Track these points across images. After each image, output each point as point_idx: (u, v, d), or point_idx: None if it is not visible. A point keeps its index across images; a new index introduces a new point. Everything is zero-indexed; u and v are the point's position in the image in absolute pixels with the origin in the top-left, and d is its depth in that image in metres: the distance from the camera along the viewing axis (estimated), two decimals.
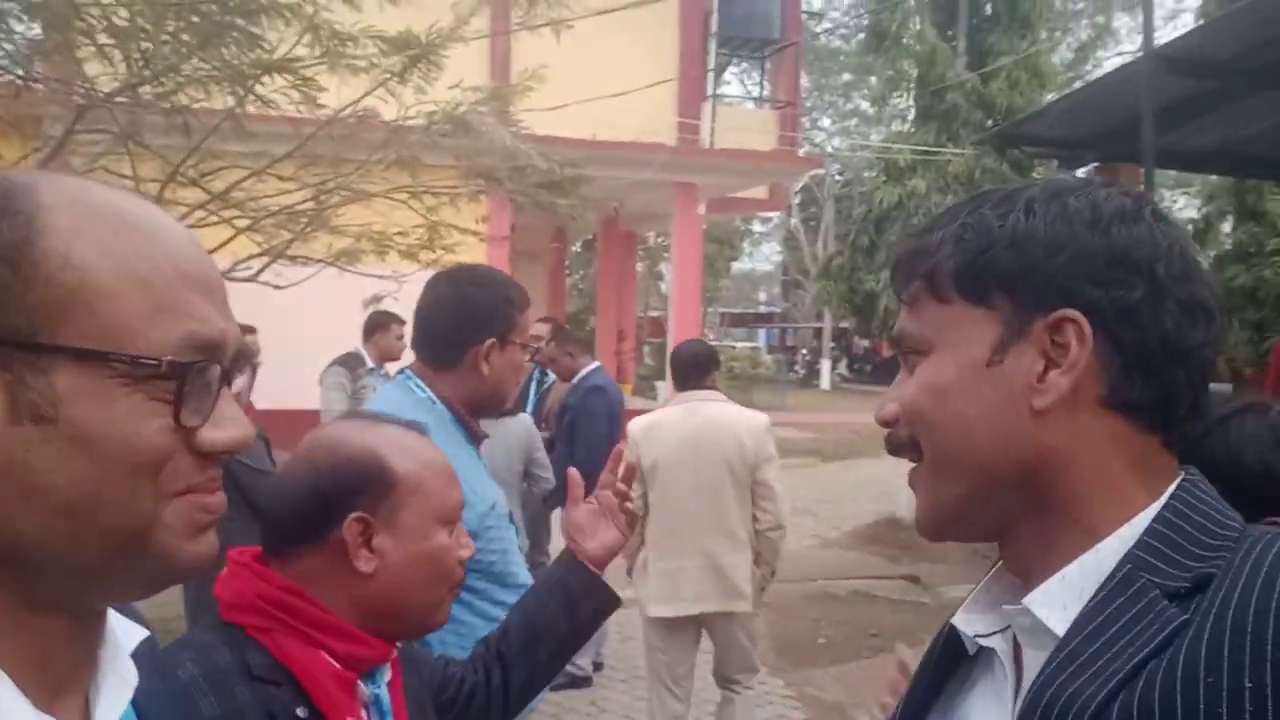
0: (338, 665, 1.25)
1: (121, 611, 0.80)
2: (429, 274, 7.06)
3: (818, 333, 37.98)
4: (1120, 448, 0.83)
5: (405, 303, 7.29)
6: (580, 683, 5.48)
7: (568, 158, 6.76)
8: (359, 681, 1.28)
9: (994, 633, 0.89)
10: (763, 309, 52.29)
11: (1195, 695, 0.70)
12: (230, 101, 5.64)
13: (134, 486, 0.66)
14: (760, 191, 18.43)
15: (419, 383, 2.19)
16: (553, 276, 20.88)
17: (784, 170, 16.98)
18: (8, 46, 6.62)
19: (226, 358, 0.71)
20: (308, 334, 11.19)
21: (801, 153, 19.22)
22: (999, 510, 0.87)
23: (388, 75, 5.35)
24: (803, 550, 8.95)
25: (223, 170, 6.92)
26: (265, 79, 4.85)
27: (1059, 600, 0.81)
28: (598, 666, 5.70)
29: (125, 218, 0.69)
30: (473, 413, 2.21)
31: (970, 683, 0.93)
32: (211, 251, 3.25)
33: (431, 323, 2.22)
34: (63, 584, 0.67)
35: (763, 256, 49.97)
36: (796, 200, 33.01)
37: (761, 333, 47.36)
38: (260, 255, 7.19)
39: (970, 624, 0.91)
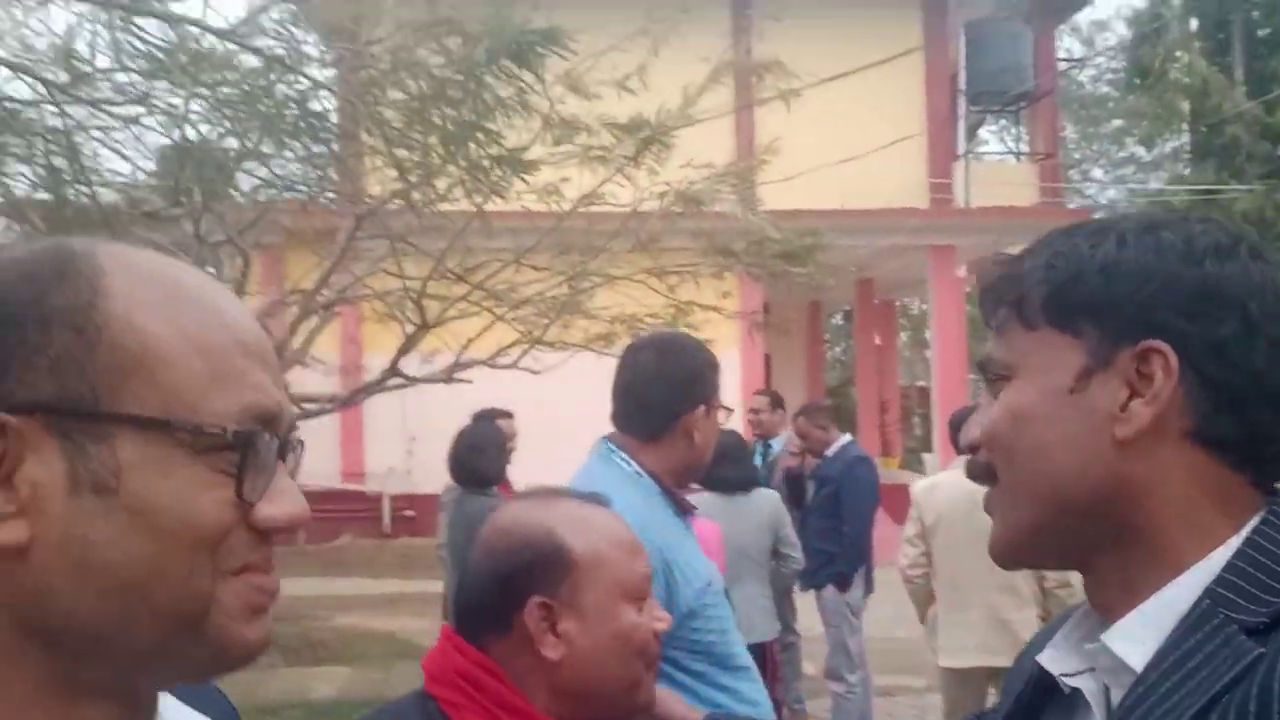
0: None
1: (199, 696, 0.80)
2: None
3: None
4: (1203, 482, 0.83)
5: None
6: None
7: (810, 228, 6.74)
8: None
9: (1080, 672, 0.88)
10: None
11: None
12: (479, 200, 6.01)
13: (193, 563, 0.63)
14: (1024, 245, 17.54)
15: (623, 456, 2.14)
16: (810, 349, 20.67)
17: (1048, 225, 16.06)
18: (297, 166, 7.38)
19: (283, 430, 0.69)
20: (566, 416, 11.63)
21: (1071, 206, 18.19)
22: (1076, 539, 0.87)
23: (624, 160, 5.54)
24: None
25: (483, 264, 7.39)
26: (504, 174, 5.11)
27: (1137, 636, 0.81)
28: None
29: (181, 285, 0.67)
30: (675, 484, 2.17)
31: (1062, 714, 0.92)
32: (473, 340, 3.39)
33: (638, 393, 2.16)
34: (111, 669, 0.64)
35: None
36: None
37: None
38: (520, 343, 7.58)
39: (1056, 663, 0.90)
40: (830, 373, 26.36)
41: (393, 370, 7.08)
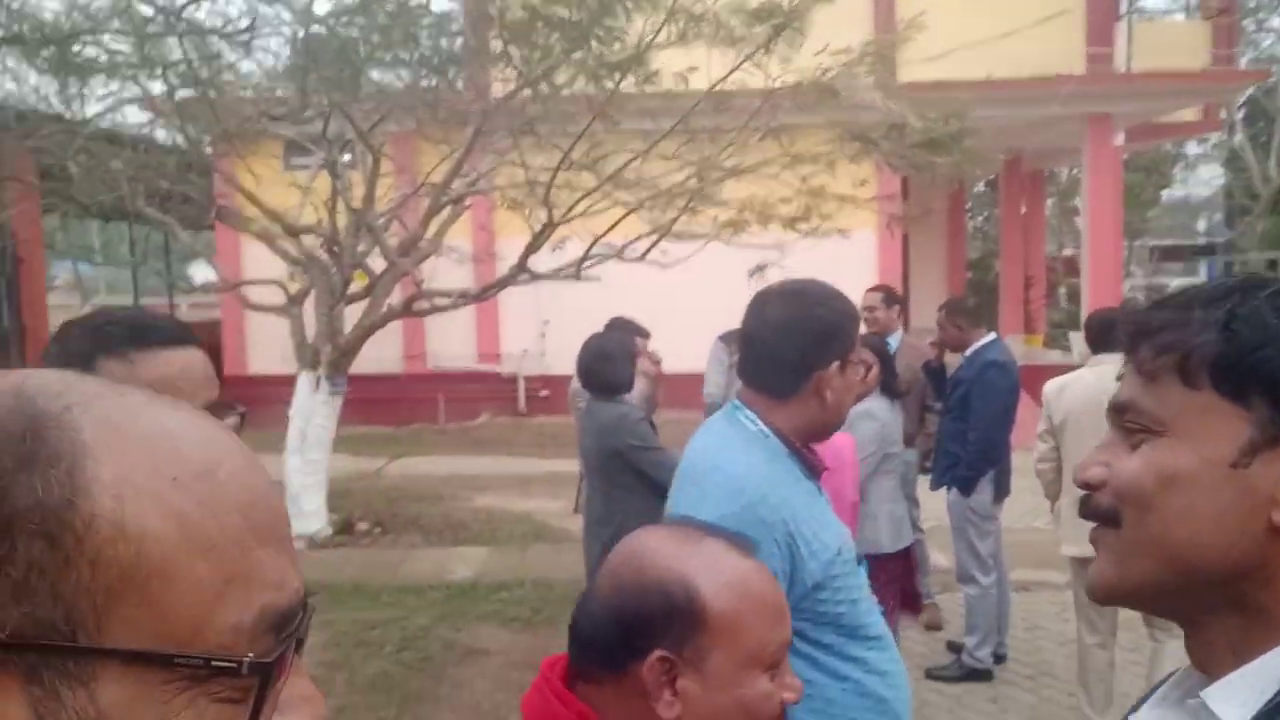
0: None
1: None
2: (811, 241, 6.95)
3: (1272, 264, 33.10)
4: None
5: (789, 274, 7.25)
6: (980, 676, 5.16)
7: (953, 108, 6.32)
8: None
9: None
10: (1202, 240, 46.59)
11: None
12: (604, 89, 5.83)
13: None
14: (1191, 113, 16.27)
15: (750, 415, 2.01)
16: (951, 221, 19.85)
17: (1219, 89, 14.84)
18: (430, 57, 7.30)
19: (300, 625, 0.56)
20: (694, 306, 11.52)
21: (1243, 64, 16.69)
22: (1191, 603, 0.86)
23: (754, 48, 5.26)
24: None
25: (611, 155, 7.24)
26: (624, 74, 4.91)
27: (1238, 697, 0.81)
28: (999, 659, 5.32)
29: (182, 453, 0.53)
30: (805, 443, 2.04)
31: None
32: (606, 232, 3.27)
33: (769, 347, 2.01)
34: None
35: (1200, 181, 44.41)
36: (1240, 115, 28.87)
37: (1202, 266, 42.16)
38: (650, 234, 7.46)
39: None
40: (972, 244, 25.35)
41: (521, 267, 7.07)
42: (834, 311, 2.02)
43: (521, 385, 14.39)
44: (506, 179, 7.65)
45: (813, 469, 2.03)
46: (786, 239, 7.46)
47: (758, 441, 1.98)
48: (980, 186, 29.97)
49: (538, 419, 13.97)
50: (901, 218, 7.45)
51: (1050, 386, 4.68)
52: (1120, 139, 14.76)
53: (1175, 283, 32.91)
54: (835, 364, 1.98)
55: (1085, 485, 0.90)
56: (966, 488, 5.25)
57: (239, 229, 8.63)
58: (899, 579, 4.71)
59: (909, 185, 12.55)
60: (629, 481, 4.29)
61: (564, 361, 8.36)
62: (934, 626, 5.93)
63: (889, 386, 4.70)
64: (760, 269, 7.93)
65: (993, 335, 5.48)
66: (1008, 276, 19.26)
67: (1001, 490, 5.29)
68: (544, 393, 14.03)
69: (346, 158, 8.50)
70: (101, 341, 1.34)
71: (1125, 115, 14.26)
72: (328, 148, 6.89)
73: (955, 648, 5.41)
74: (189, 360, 1.38)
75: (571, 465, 7.25)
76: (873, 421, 4.64)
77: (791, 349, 1.98)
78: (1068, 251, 31.80)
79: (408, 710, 4.84)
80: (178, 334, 1.41)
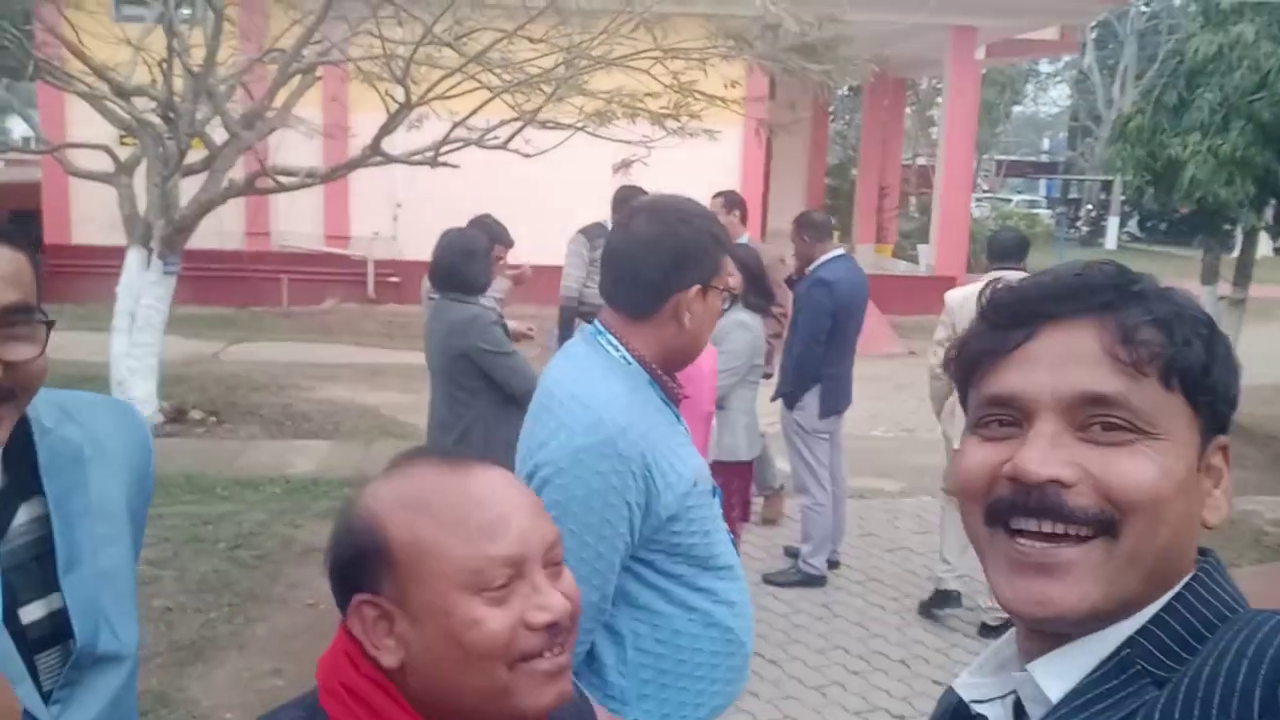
0: None
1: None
2: (676, 142, 6.78)
3: (1107, 185, 34.65)
4: None
5: (652, 170, 7.08)
6: (814, 582, 5.30)
7: (827, 11, 6.19)
8: None
9: (994, 698, 0.92)
10: (1045, 158, 48.45)
11: None
12: None
13: None
14: (1050, 32, 16.66)
15: (610, 339, 1.93)
16: (814, 127, 19.96)
17: (1078, 8, 15.19)
18: None
19: None
20: (556, 198, 11.25)
21: None
22: (1127, 611, 0.84)
23: None
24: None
25: (477, 32, 6.84)
26: None
27: (1059, 670, 0.85)
28: (833, 565, 5.48)
29: None
30: (666, 369, 1.95)
31: None
32: (467, 117, 3.05)
33: (630, 265, 1.90)
34: None
35: (1049, 100, 45.97)
36: (1092, 36, 29.82)
37: (1042, 184, 43.89)
38: (513, 121, 7.14)
39: (971, 689, 0.94)
40: (832, 149, 25.64)
41: (374, 149, 6.67)
42: (699, 232, 1.91)
43: (371, 270, 13.89)
44: (363, 50, 7.17)
45: (672, 396, 1.97)
46: (653, 136, 7.28)
47: (619, 369, 1.89)
48: (844, 91, 30.21)
49: (388, 306, 13.56)
50: (769, 122, 7.32)
51: (953, 296, 4.83)
52: (981, 53, 15.00)
53: (1016, 199, 34.18)
54: (696, 287, 1.90)
55: (1053, 482, 0.83)
56: (789, 401, 5.31)
57: (61, 87, 7.87)
58: (746, 487, 4.77)
59: (775, 87, 12.45)
60: (476, 385, 4.13)
61: (417, 247, 8.02)
62: (771, 520, 6.08)
63: (753, 302, 4.63)
64: (625, 164, 7.75)
65: (838, 251, 5.44)
66: (864, 185, 19.60)
67: (829, 404, 5.24)
68: (395, 278, 13.59)
69: (185, 12, 7.82)
70: None
71: (988, 30, 14.48)
72: (167, 2, 6.28)
73: (792, 553, 5.54)
74: None
75: (422, 357, 7.04)
76: (746, 332, 4.61)
77: (652, 267, 1.88)
78: (921, 161, 32.56)
79: (240, 610, 4.65)
80: None
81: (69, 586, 1.34)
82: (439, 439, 4.20)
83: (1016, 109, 41.88)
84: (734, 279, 4.32)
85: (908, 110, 26.54)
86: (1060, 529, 0.83)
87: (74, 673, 1.34)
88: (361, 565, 1.04)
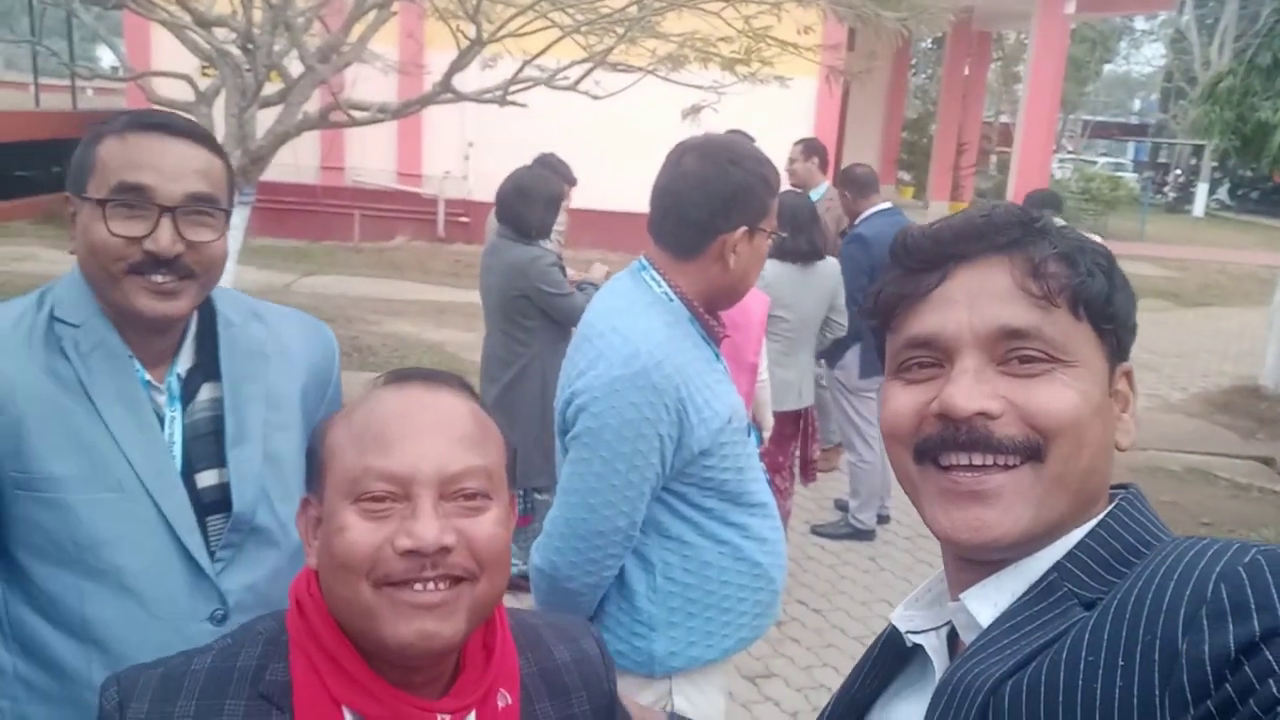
0: (345, 717, 1.01)
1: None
2: (747, 88, 6.73)
3: (1197, 150, 33.43)
4: None
5: (723, 117, 7.03)
6: (862, 535, 5.31)
7: None
8: None
9: (929, 629, 0.95)
10: (1134, 119, 46.87)
11: (1075, 673, 0.75)
12: None
13: None
14: None
15: (654, 275, 1.94)
16: (893, 79, 19.54)
17: None
18: None
19: None
20: (625, 143, 11.21)
21: None
22: (1056, 534, 0.87)
23: None
24: (1137, 411, 8.11)
25: None
26: None
27: (991, 597, 0.87)
28: (882, 519, 5.48)
29: None
30: (709, 309, 1.97)
31: (909, 680, 0.98)
32: (537, 55, 3.12)
33: (677, 203, 1.91)
34: None
35: (1143, 59, 44.38)
36: None
37: (1130, 146, 42.51)
38: (584, 61, 7.12)
39: (908, 621, 0.97)
40: (911, 103, 25.07)
41: (445, 85, 6.71)
42: (749, 173, 1.91)
43: (442, 208, 14.03)
44: None
45: (713, 335, 1.99)
46: (724, 81, 7.20)
47: (660, 305, 1.92)
48: (927, 44, 29.47)
49: (456, 245, 13.70)
50: (843, 71, 7.20)
51: None
52: (1072, 7, 14.52)
53: (1100, 161, 33.18)
54: (742, 228, 1.90)
55: (981, 414, 0.85)
56: (830, 360, 5.22)
57: (146, 15, 8.02)
58: (788, 439, 4.72)
59: (855, 37, 12.20)
60: (534, 324, 4.18)
61: (487, 187, 8.08)
62: (824, 471, 6.03)
63: (786, 248, 4.46)
64: (695, 109, 7.69)
65: (882, 205, 5.30)
66: (942, 141, 19.19)
67: (869, 364, 5.09)
68: (464, 218, 13.71)
69: None
70: (110, 123, 1.50)
71: None
72: None
73: (842, 506, 5.55)
74: (181, 150, 1.48)
75: None
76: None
77: (699, 206, 1.89)
78: (1004, 119, 31.66)
79: None
80: (178, 126, 1.51)
81: (235, 459, 1.53)
82: (496, 374, 4.27)
83: (1107, 67, 40.50)
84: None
85: (992, 66, 25.84)
86: (989, 460, 0.85)
87: (233, 535, 1.53)
88: (309, 464, 1.08)
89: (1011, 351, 0.86)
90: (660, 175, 1.98)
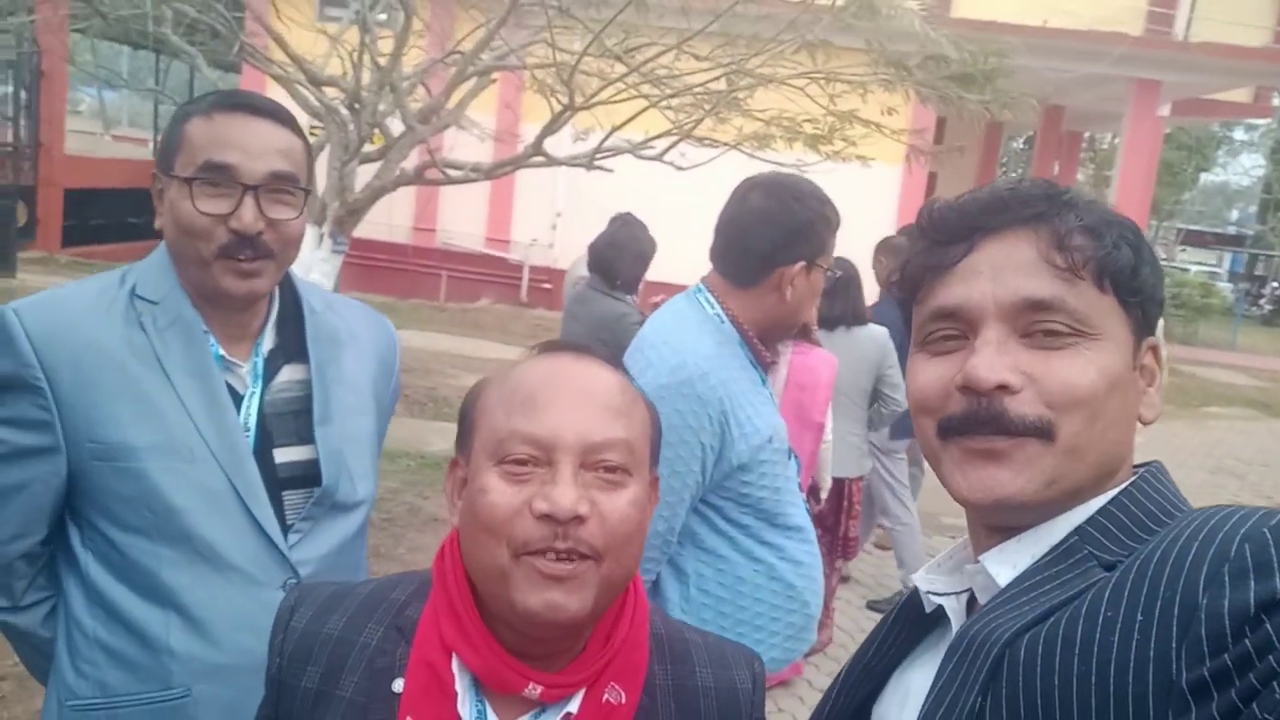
0: (451, 662, 1.04)
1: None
2: (830, 165, 6.86)
3: None
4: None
5: None
6: None
7: (996, 48, 6.16)
8: (459, 694, 1.03)
9: (950, 594, 0.96)
10: (1232, 230, 45.96)
11: (1093, 628, 0.75)
12: None
13: None
14: (1243, 94, 15.93)
15: (710, 298, 2.04)
16: (982, 173, 19.58)
17: (1273, 69, 14.50)
18: None
19: None
20: (707, 220, 11.41)
21: None
22: (1077, 500, 0.88)
23: None
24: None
25: (644, 46, 7.08)
26: None
27: (1010, 559, 0.89)
28: None
29: None
30: (763, 338, 2.04)
31: (928, 646, 1.00)
32: (619, 126, 3.28)
33: (743, 235, 2.01)
34: None
35: (1241, 169, 43.69)
36: None
37: (1227, 256, 41.62)
38: (670, 133, 7.34)
39: (929, 584, 0.98)
40: None
41: (536, 148, 6.98)
42: (811, 211, 2.00)
43: (526, 274, 14.37)
44: (538, 59, 7.51)
45: (761, 360, 2.06)
46: (807, 160, 7.34)
47: (711, 325, 2.01)
48: (1019, 144, 29.46)
49: (538, 310, 13.98)
50: (925, 152, 7.30)
51: None
52: (1166, 110, 14.47)
53: (1195, 268, 32.56)
54: (801, 263, 1.99)
55: (1001, 388, 0.86)
56: (895, 434, 5.20)
57: (263, 71, 8.50)
58: (825, 514, 4.57)
59: (944, 128, 12.33)
60: None
61: (572, 256, 8.32)
62: (885, 546, 5.99)
63: (821, 313, 4.34)
64: None
65: None
66: None
67: (900, 427, 5.04)
68: (547, 284, 14.01)
69: (382, 17, 8.33)
70: (197, 103, 1.55)
71: (1175, 85, 13.97)
72: (359, 5, 6.75)
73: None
74: (264, 130, 1.53)
75: None
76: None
77: (761, 238, 1.99)
78: None
79: None
80: (264, 107, 1.55)
81: (322, 437, 1.59)
82: None
83: (1204, 176, 39.94)
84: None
85: (1084, 171, 25.67)
86: (996, 440, 0.87)
87: (315, 509, 1.59)
88: (461, 426, 1.11)
89: (1035, 324, 0.87)
90: (726, 208, 2.08)
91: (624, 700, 1.06)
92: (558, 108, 7.15)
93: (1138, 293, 0.89)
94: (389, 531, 5.39)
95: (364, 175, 8.13)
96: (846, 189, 8.61)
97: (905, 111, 7.78)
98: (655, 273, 5.94)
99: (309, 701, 1.06)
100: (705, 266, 2.04)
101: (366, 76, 7.73)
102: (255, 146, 1.50)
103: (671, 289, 5.99)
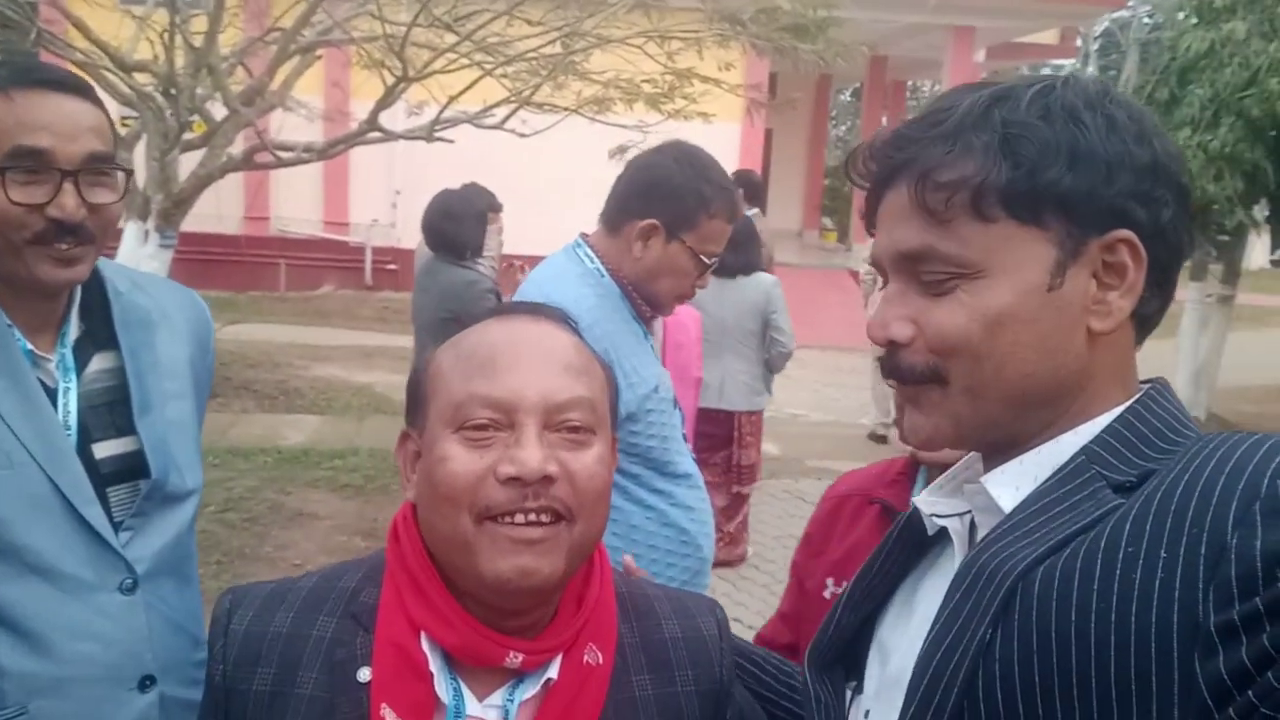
0: (420, 642, 1.00)
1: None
2: (674, 125, 6.87)
3: None
4: (1125, 359, 0.87)
5: None
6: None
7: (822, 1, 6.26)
8: (434, 674, 0.99)
9: (953, 515, 0.93)
10: None
11: (1113, 562, 0.73)
12: None
13: None
14: (1050, 36, 16.75)
15: (589, 252, 2.03)
16: (814, 125, 20.05)
17: (1078, 11, 15.28)
18: None
19: None
20: (551, 182, 11.33)
21: None
22: (1022, 428, 0.86)
23: None
24: None
25: (474, 14, 6.91)
26: None
27: (1013, 482, 0.86)
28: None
29: None
30: (641, 295, 2.04)
31: (930, 564, 0.97)
32: (456, 96, 3.21)
33: (619, 179, 2.03)
34: None
35: None
36: (1095, 46, 29.91)
37: None
38: (508, 101, 7.20)
39: (931, 505, 0.95)
40: (832, 151, 25.71)
41: (371, 123, 6.74)
42: (684, 177, 1.98)
43: (369, 256, 13.96)
44: (365, 33, 7.23)
45: (641, 314, 2.06)
46: (649, 121, 7.34)
47: (591, 278, 2.01)
48: (845, 96, 30.29)
49: (384, 292, 13.63)
50: (764, 105, 7.40)
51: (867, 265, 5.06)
52: (981, 55, 15.08)
53: None
54: (652, 221, 1.96)
55: (889, 343, 0.87)
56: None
57: (65, 59, 7.93)
58: (717, 443, 4.95)
59: (775, 82, 12.53)
60: None
61: (415, 235, 8.12)
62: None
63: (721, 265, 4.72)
64: (621, 150, 7.81)
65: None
66: None
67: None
68: (392, 265, 13.66)
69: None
70: None
71: (987, 30, 14.57)
72: None
73: None
74: (73, 108, 1.40)
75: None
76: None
77: (629, 184, 2.01)
78: None
79: (228, 568, 4.71)
80: (66, 81, 1.42)
81: (144, 427, 1.49)
82: None
83: None
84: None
85: (908, 116, 26.61)
86: (905, 388, 0.89)
87: (146, 504, 1.50)
88: (411, 397, 1.06)
89: (919, 273, 0.85)
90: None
91: (601, 661, 1.04)
92: (390, 81, 6.92)
93: (1045, 200, 0.80)
94: (252, 531, 5.16)
95: (187, 164, 7.70)
96: None
97: (740, 66, 7.86)
98: (510, 245, 5.84)
99: (263, 704, 1.02)
100: (553, 237, 2.02)
101: (180, 59, 7.29)
102: (68, 127, 1.38)
103: (524, 260, 5.88)
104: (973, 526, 0.92)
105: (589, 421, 1.00)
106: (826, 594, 1.61)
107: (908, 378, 0.87)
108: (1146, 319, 0.87)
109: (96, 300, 1.53)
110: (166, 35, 7.08)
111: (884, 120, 20.05)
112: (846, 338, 11.19)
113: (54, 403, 1.45)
